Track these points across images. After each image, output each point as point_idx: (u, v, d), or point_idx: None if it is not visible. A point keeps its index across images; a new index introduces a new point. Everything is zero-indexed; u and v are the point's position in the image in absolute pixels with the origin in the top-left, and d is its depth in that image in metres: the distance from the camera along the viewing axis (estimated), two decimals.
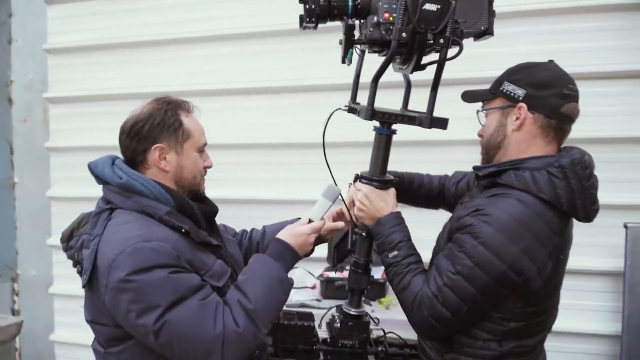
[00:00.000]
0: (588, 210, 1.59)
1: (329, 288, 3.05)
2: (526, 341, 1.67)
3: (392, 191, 1.82)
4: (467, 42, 1.63)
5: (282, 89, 3.74)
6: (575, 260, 3.12)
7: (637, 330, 3.14)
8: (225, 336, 1.53)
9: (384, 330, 2.13)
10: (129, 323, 1.54)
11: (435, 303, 1.59)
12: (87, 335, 3.74)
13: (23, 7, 4.53)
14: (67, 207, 4.19)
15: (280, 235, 1.81)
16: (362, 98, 1.80)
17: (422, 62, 1.62)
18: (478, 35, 1.65)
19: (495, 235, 1.53)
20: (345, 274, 2.93)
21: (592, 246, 3.27)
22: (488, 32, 1.62)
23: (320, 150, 1.90)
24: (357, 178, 1.87)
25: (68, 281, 4.23)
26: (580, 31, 3.26)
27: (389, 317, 2.40)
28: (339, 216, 2.04)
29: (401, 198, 2.09)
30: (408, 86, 1.91)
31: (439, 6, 1.45)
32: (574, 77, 1.66)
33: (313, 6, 1.58)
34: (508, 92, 1.66)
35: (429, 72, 1.66)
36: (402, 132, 1.84)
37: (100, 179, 1.73)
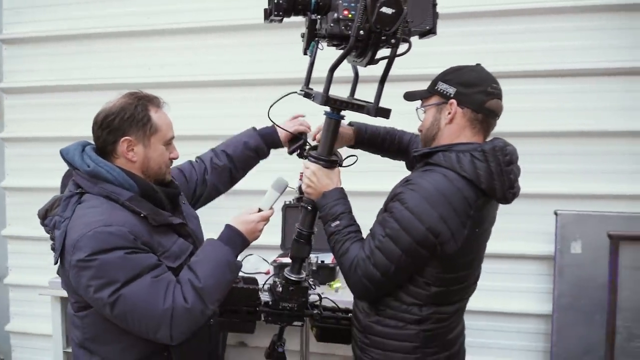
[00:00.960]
0: (505, 192, 1.81)
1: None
2: (444, 308, 1.91)
3: (337, 170, 2.05)
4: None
5: (254, 81, 3.84)
6: (510, 245, 3.47)
7: (567, 310, 3.40)
8: (174, 310, 1.70)
9: (319, 296, 2.36)
10: (88, 297, 1.71)
11: (368, 264, 1.82)
12: (43, 325, 3.83)
13: None
14: (22, 198, 4.27)
15: (231, 222, 1.97)
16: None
17: (376, 57, 1.83)
18: (423, 34, 1.87)
19: (418, 201, 1.77)
20: None
21: (525, 232, 3.55)
22: (432, 31, 1.85)
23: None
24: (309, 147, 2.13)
25: (23, 272, 4.27)
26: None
27: (338, 299, 2.55)
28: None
29: (376, 151, 2.38)
30: (356, 77, 2.12)
31: (394, 10, 1.67)
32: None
33: (280, 1, 1.76)
34: (442, 91, 1.89)
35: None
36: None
37: (71, 165, 1.86)
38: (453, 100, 1.86)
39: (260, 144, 2.35)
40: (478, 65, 1.93)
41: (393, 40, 1.74)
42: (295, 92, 2.05)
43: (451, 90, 1.86)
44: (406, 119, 2.01)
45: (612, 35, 3.37)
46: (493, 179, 1.78)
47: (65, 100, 4.14)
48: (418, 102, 2.01)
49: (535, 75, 3.50)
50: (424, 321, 1.88)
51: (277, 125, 2.29)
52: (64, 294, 3.16)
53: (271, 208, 2.05)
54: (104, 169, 1.80)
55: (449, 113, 1.87)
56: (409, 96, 2.00)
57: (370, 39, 1.73)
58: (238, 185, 2.48)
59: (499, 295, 3.60)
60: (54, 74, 4.15)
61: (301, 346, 3.22)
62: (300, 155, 2.22)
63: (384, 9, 1.66)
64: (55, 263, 1.81)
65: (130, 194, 1.80)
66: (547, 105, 3.50)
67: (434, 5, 1.82)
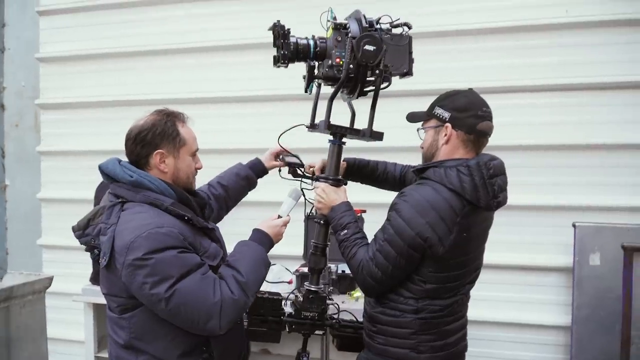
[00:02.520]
0: (489, 201, 2.12)
1: (304, 283, 3.37)
2: (437, 302, 2.22)
3: (343, 187, 2.44)
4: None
5: (269, 97, 4.20)
6: (528, 257, 3.69)
7: (586, 322, 3.59)
8: (223, 302, 1.97)
9: (337, 307, 2.72)
10: (143, 294, 1.94)
11: (370, 265, 2.19)
12: (78, 332, 4.12)
13: (16, 17, 4.93)
14: (57, 209, 4.67)
15: (259, 226, 2.32)
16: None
17: (365, 90, 2.27)
18: (402, 75, 2.26)
19: (409, 209, 2.12)
20: None
21: (544, 244, 3.78)
22: (409, 73, 2.25)
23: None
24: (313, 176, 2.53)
25: (57, 279, 4.56)
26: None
27: (359, 308, 2.79)
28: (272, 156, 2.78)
29: (363, 181, 2.78)
30: (353, 115, 2.51)
31: (374, 47, 2.11)
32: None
33: (285, 52, 2.21)
34: (438, 115, 2.23)
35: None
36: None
37: (110, 178, 2.17)
38: (448, 124, 2.19)
39: (249, 173, 2.77)
40: (470, 90, 2.26)
41: (377, 72, 2.15)
42: (302, 125, 2.47)
43: (446, 114, 2.19)
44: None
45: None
46: (477, 190, 2.09)
47: (97, 115, 4.54)
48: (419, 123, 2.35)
49: (552, 89, 3.73)
50: (420, 311, 2.21)
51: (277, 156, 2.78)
52: (97, 300, 3.52)
53: (288, 215, 2.43)
54: (145, 179, 2.07)
55: (445, 135, 2.20)
56: (412, 117, 2.36)
57: (358, 72, 2.16)
58: (255, 198, 2.86)
59: (518, 306, 3.83)
60: (86, 91, 4.56)
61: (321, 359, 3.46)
62: (294, 174, 2.62)
63: (367, 47, 2.10)
64: (104, 266, 2.03)
65: (172, 200, 2.07)
66: (564, 119, 3.71)
67: (410, 53, 2.23)
